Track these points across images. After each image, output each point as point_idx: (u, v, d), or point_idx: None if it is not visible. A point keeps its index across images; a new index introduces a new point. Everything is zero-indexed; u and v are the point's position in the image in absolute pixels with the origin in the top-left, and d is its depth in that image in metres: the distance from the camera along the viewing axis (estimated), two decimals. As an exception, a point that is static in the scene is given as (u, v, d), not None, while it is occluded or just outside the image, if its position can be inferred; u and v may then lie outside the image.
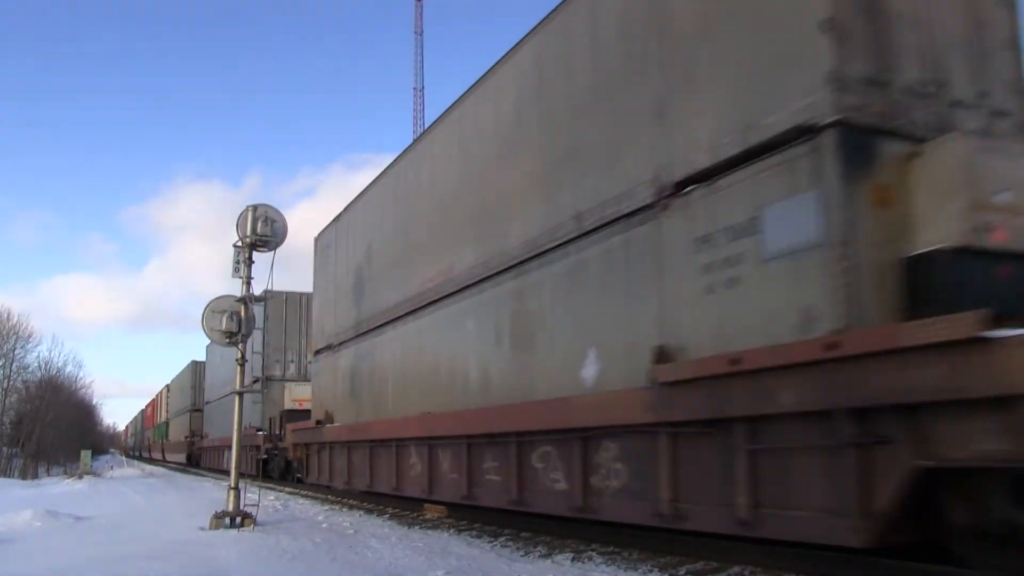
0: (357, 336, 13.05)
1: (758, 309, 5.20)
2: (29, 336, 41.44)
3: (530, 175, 8.15)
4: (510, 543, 8.00)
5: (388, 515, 11.21)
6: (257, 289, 11.00)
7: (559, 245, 7.44)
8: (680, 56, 6.14)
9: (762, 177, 5.26)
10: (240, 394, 10.93)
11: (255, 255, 10.90)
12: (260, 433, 20.15)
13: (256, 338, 22.15)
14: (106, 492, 19.85)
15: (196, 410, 34.98)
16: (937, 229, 4.75)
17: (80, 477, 29.28)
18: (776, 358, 4.87)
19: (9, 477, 32.72)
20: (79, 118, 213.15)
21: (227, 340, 10.91)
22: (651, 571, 6.07)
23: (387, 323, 11.74)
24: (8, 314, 40.30)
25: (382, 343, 12.02)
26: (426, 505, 10.40)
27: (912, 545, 4.63)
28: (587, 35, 7.42)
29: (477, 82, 9.62)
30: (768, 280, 5.15)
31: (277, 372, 21.26)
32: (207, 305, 10.97)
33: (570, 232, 7.26)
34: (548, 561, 6.80)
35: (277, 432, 19.31)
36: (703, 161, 5.74)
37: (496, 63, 9.16)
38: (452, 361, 9.65)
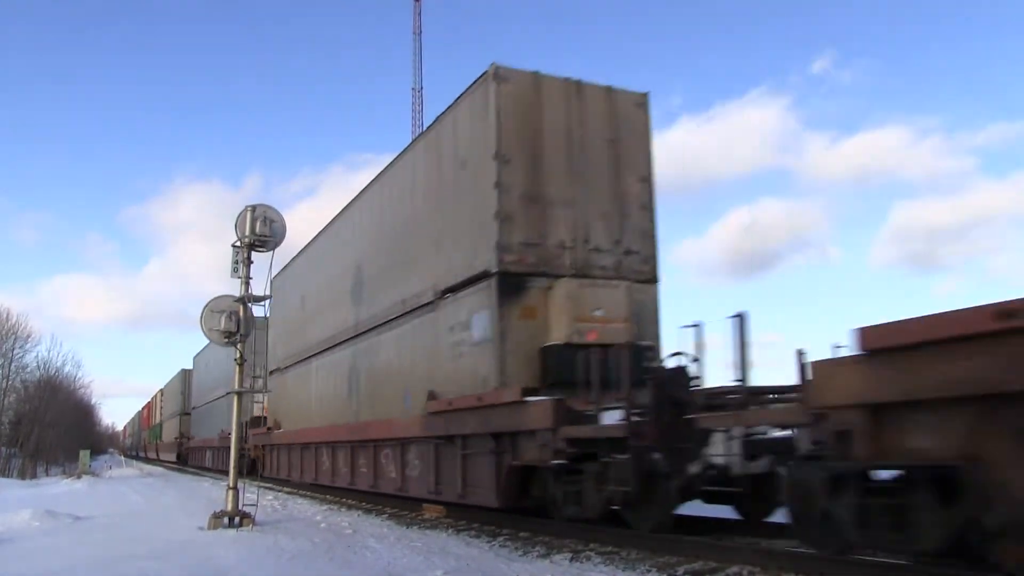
0: (296, 363, 17.40)
1: (469, 373, 9.36)
2: (28, 336, 41.28)
3: (382, 269, 12.50)
4: (508, 543, 8.17)
5: (386, 515, 11.52)
6: (257, 289, 11.21)
7: (394, 319, 11.74)
8: (444, 211, 10.33)
9: (473, 296, 9.42)
10: (239, 394, 11.30)
11: (254, 255, 11.12)
12: (231, 436, 24.46)
13: (227, 359, 26.52)
14: (105, 492, 20.20)
15: (185, 414, 39.49)
16: (557, 332, 8.84)
17: (79, 477, 29.50)
18: (465, 403, 9.08)
19: (8, 477, 32.79)
20: (79, 118, 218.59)
21: (226, 340, 11.14)
22: (649, 571, 6.26)
23: (311, 356, 16.15)
24: (7, 314, 39.94)
25: (308, 370, 16.38)
26: (425, 505, 10.97)
27: (526, 509, 8.76)
28: (410, 182, 11.69)
29: (356, 196, 14.10)
30: (472, 357, 9.30)
31: (247, 384, 25.38)
32: (206, 305, 11.26)
33: (399, 311, 11.56)
34: (547, 561, 7.00)
35: (244, 436, 23.64)
36: (452, 280, 9.93)
37: (362, 189, 13.64)
38: (346, 387, 13.94)
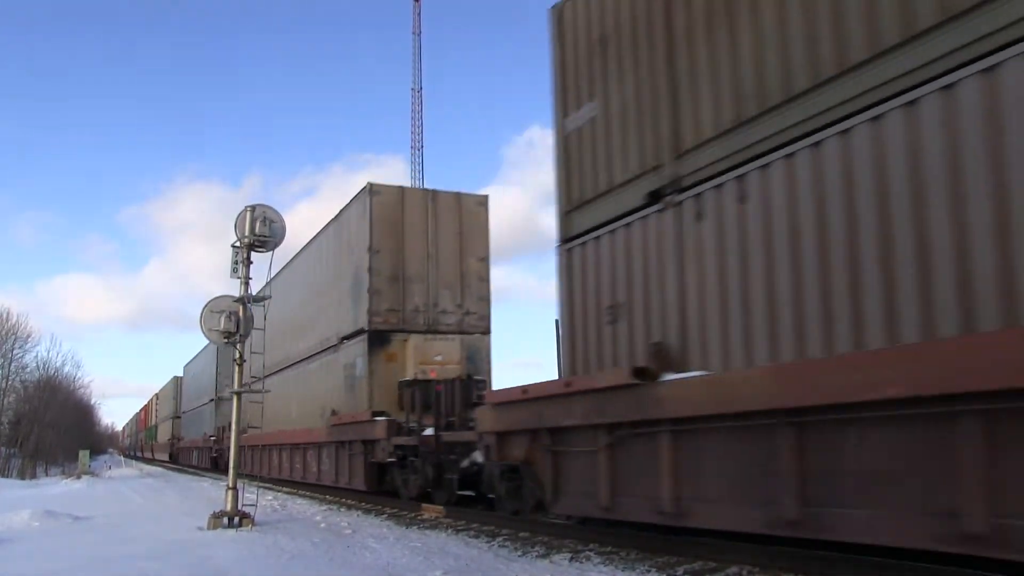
0: (256, 380, 22.08)
1: (355, 398, 13.80)
2: (28, 336, 43.05)
3: (311, 315, 17.01)
4: (508, 543, 8.40)
5: (386, 515, 11.96)
6: (255, 289, 11.64)
7: (316, 353, 16.22)
8: (343, 280, 14.82)
9: (356, 344, 13.86)
10: (238, 394, 11.85)
11: (254, 255, 11.48)
12: (212, 438, 29.42)
13: (210, 369, 31.32)
14: (104, 492, 20.87)
15: (176, 417, 44.44)
16: (409, 371, 13.30)
17: (78, 477, 30.63)
18: (347, 419, 13.56)
19: (8, 477, 33.76)
20: (79, 118, 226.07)
21: (225, 340, 11.54)
22: (649, 571, 6.41)
23: (272, 374, 20.70)
24: (7, 314, 41.66)
25: (269, 384, 21.01)
26: (424, 505, 11.79)
27: (385, 492, 13.21)
28: (327, 253, 16.16)
29: (296, 255, 18.74)
30: (356, 386, 13.74)
31: (227, 393, 30.09)
32: (205, 305, 11.69)
33: (318, 349, 16.04)
34: (546, 561, 7.17)
35: (220, 439, 28.50)
36: (347, 331, 14.37)
37: (300, 249, 18.27)
38: (287, 401, 18.52)
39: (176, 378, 45.62)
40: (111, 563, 7.61)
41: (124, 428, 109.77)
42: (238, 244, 11.46)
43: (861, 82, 5.20)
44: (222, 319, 11.34)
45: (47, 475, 38.93)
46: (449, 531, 9.62)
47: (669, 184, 6.83)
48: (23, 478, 34.44)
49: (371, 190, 13.80)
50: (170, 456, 46.17)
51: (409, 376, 13.19)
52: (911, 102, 4.88)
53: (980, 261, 4.46)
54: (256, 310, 11.84)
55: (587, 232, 7.92)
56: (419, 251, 13.95)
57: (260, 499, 12.07)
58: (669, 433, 6.51)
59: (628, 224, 7.35)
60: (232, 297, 11.55)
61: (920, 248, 4.76)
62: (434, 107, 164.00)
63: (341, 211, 15.30)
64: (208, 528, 10.49)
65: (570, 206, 8.22)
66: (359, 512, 12.67)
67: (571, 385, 7.50)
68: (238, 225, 11.45)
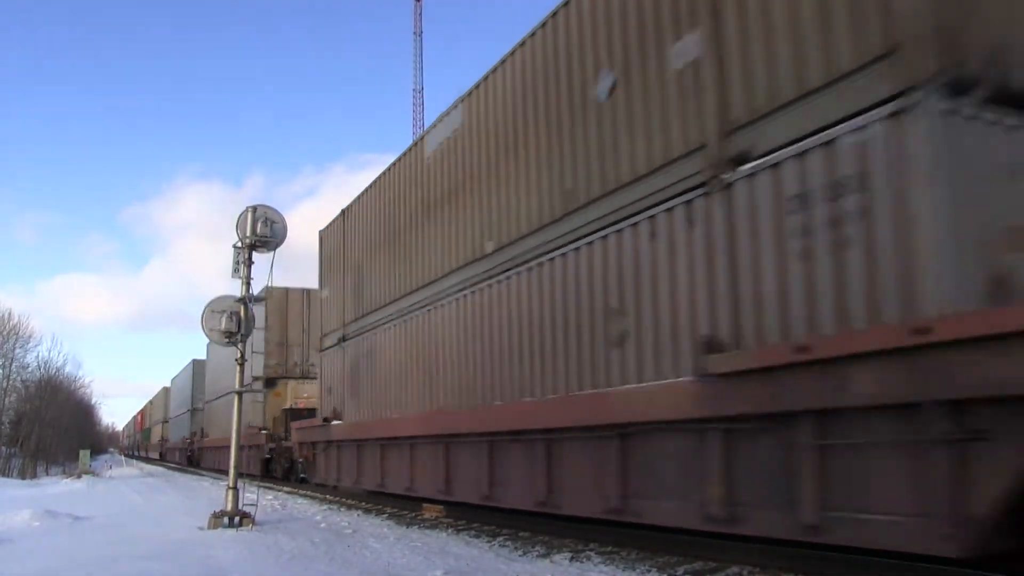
0: (213, 399, 32.72)
1: (257, 418, 24.27)
2: (29, 336, 45.68)
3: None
4: (508, 543, 9.01)
5: (386, 515, 12.52)
6: (257, 289, 12.36)
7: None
8: (255, 342, 25.46)
9: (259, 384, 24.28)
10: (239, 394, 12.47)
11: (255, 255, 12.13)
12: (188, 440, 41.05)
13: (189, 384, 41.92)
14: (105, 491, 22.44)
15: (165, 422, 55.70)
16: (287, 402, 23.80)
17: (79, 476, 32.92)
18: (252, 432, 24.08)
19: (8, 476, 35.87)
20: (80, 118, 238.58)
21: (226, 340, 12.20)
22: (649, 571, 6.91)
23: (224, 395, 31.43)
24: (8, 314, 44.30)
25: (221, 403, 31.68)
26: (424, 505, 12.47)
27: (273, 476, 23.75)
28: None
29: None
30: (258, 412, 24.23)
31: (200, 405, 40.47)
32: (206, 305, 12.32)
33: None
34: (547, 561, 7.70)
35: (192, 441, 39.70)
36: (256, 375, 24.75)
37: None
38: (224, 417, 29.27)
39: (165, 388, 57.05)
40: (111, 563, 8.05)
41: (124, 428, 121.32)
42: (239, 244, 12.32)
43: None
44: (223, 319, 12.14)
45: (48, 475, 41.32)
46: (449, 531, 10.37)
47: (345, 335, 16.97)
48: (24, 477, 36.63)
49: (269, 292, 24.16)
50: (160, 455, 57.85)
51: (288, 406, 23.51)
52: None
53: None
54: (257, 310, 12.55)
55: (326, 348, 18.07)
56: (297, 326, 24.36)
57: (260, 499, 12.88)
58: (336, 446, 16.64)
59: (334, 350, 17.49)
60: (233, 297, 12.38)
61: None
62: (434, 107, 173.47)
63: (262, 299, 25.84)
64: (208, 528, 11.20)
65: (321, 333, 18.44)
66: (359, 512, 13.68)
67: (312, 423, 17.84)
68: (239, 225, 12.30)
